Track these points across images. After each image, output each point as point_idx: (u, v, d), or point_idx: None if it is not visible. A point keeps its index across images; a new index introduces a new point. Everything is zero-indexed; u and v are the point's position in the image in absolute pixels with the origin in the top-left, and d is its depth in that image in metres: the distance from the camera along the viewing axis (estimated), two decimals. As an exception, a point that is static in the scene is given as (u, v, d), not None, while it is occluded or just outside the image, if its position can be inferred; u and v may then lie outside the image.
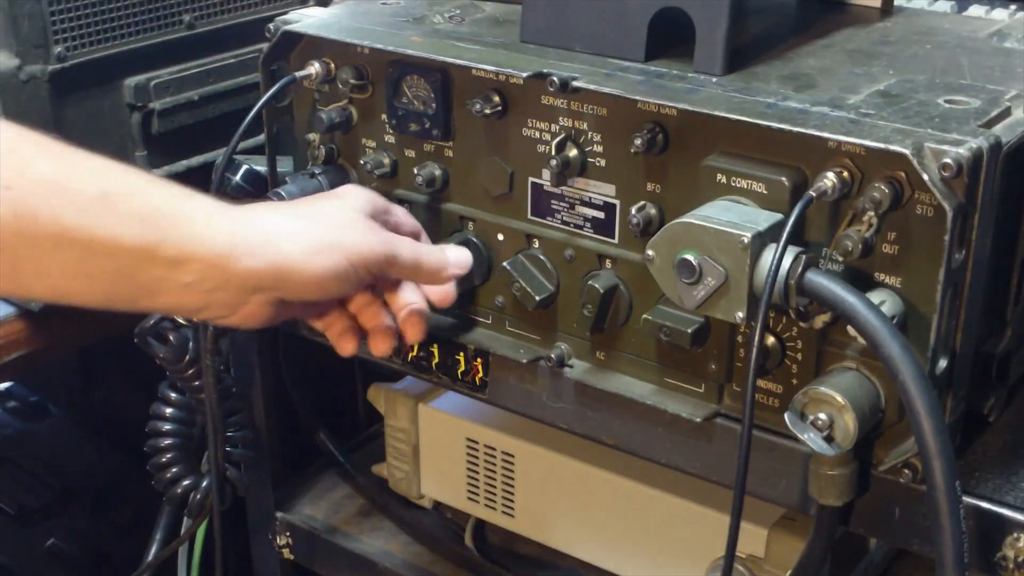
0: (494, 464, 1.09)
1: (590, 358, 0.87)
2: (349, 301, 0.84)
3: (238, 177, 1.04)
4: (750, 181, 0.74)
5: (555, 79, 0.80)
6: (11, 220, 0.64)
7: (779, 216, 0.72)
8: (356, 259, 0.76)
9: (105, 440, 1.59)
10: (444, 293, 0.85)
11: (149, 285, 0.69)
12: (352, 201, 0.80)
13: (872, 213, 0.70)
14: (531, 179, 0.86)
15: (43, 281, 0.67)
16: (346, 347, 0.85)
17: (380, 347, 0.85)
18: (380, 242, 0.78)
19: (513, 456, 1.08)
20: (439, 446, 1.13)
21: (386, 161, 0.93)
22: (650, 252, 0.73)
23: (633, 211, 0.81)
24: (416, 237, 0.86)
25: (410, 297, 0.84)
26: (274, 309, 0.75)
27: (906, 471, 0.74)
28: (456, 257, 0.85)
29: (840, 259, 0.72)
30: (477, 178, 0.89)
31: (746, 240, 0.69)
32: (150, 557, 1.18)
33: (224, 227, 0.71)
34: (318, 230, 0.75)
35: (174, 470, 1.10)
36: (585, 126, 0.82)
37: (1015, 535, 0.72)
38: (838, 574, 0.94)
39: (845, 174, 0.71)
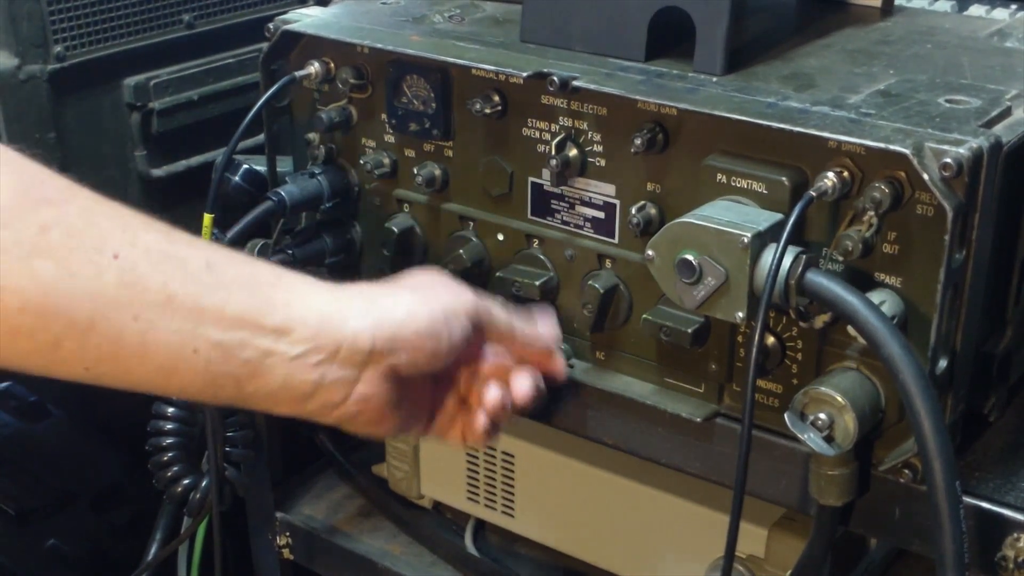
0: (494, 464, 1.09)
1: (590, 358, 0.87)
2: (456, 382, 0.79)
3: (238, 177, 1.04)
4: (750, 181, 0.74)
5: (555, 79, 0.79)
6: (117, 290, 0.62)
7: (779, 216, 0.71)
8: (456, 304, 0.74)
9: (105, 440, 1.59)
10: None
11: (256, 362, 0.66)
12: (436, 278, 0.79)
13: (872, 213, 0.70)
14: (531, 179, 0.86)
15: (147, 360, 0.63)
16: (477, 429, 0.79)
17: (476, 426, 0.79)
18: (473, 295, 0.76)
19: (513, 456, 1.08)
20: (439, 446, 1.13)
21: (386, 161, 0.93)
22: (650, 252, 0.73)
23: (633, 211, 0.80)
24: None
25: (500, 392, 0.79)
26: (389, 387, 0.71)
27: (906, 471, 0.74)
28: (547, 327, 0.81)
29: (840, 259, 0.72)
30: (477, 178, 0.89)
31: (746, 240, 0.69)
32: (150, 556, 1.18)
33: (324, 294, 0.69)
34: (411, 288, 0.74)
35: (174, 469, 1.10)
36: (585, 126, 0.82)
37: (1015, 535, 0.72)
38: (838, 574, 0.94)
39: (845, 174, 0.71)
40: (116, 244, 0.62)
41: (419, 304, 0.72)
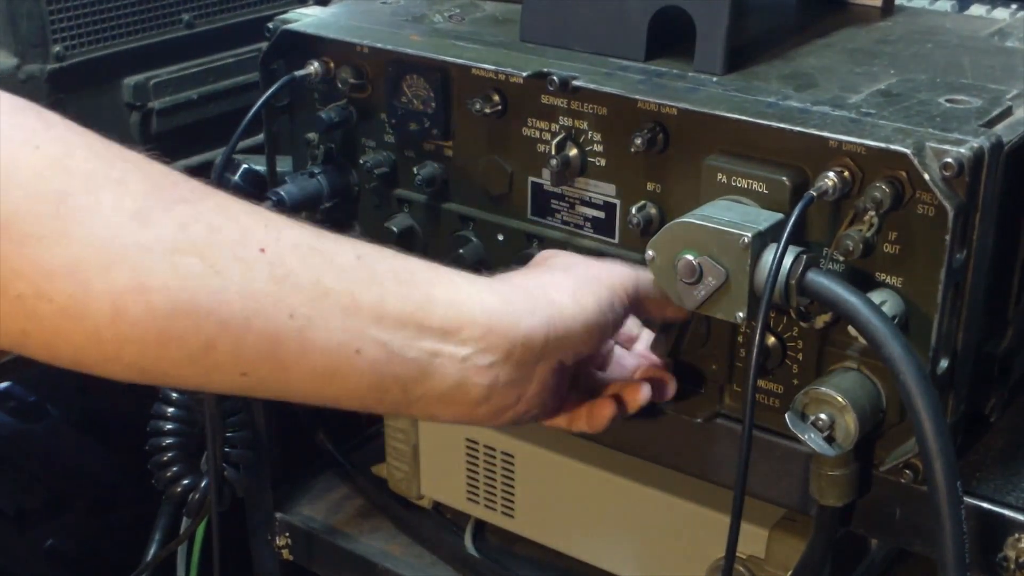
0: (494, 464, 1.09)
1: (590, 358, 0.87)
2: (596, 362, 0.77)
3: (237, 176, 1.04)
4: (751, 180, 0.74)
5: (555, 78, 0.79)
6: (268, 286, 0.57)
7: (780, 216, 0.71)
8: (615, 283, 0.70)
9: (103, 441, 1.59)
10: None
11: (424, 363, 0.62)
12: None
13: (873, 213, 0.70)
14: (531, 179, 0.86)
15: (305, 361, 0.59)
16: (603, 414, 0.74)
17: (636, 396, 0.75)
18: (623, 266, 0.73)
19: (513, 456, 1.08)
20: (439, 446, 1.13)
21: (386, 161, 0.93)
22: (650, 252, 0.73)
23: (633, 211, 0.80)
24: None
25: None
26: (556, 382, 0.68)
27: (907, 471, 0.74)
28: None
29: (841, 259, 0.72)
30: (477, 178, 0.89)
31: (747, 240, 0.68)
32: (149, 557, 1.18)
33: (487, 290, 0.65)
34: (565, 270, 0.71)
35: (174, 469, 1.10)
36: (585, 125, 0.82)
37: (1016, 536, 0.72)
38: (839, 575, 0.94)
39: (846, 173, 0.71)
40: (260, 239, 0.58)
41: (586, 293, 0.68)
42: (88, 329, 0.55)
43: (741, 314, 0.70)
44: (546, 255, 0.76)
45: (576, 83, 0.79)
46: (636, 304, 0.73)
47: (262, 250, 0.58)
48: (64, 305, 0.54)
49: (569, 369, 0.71)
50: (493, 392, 0.65)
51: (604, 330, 0.69)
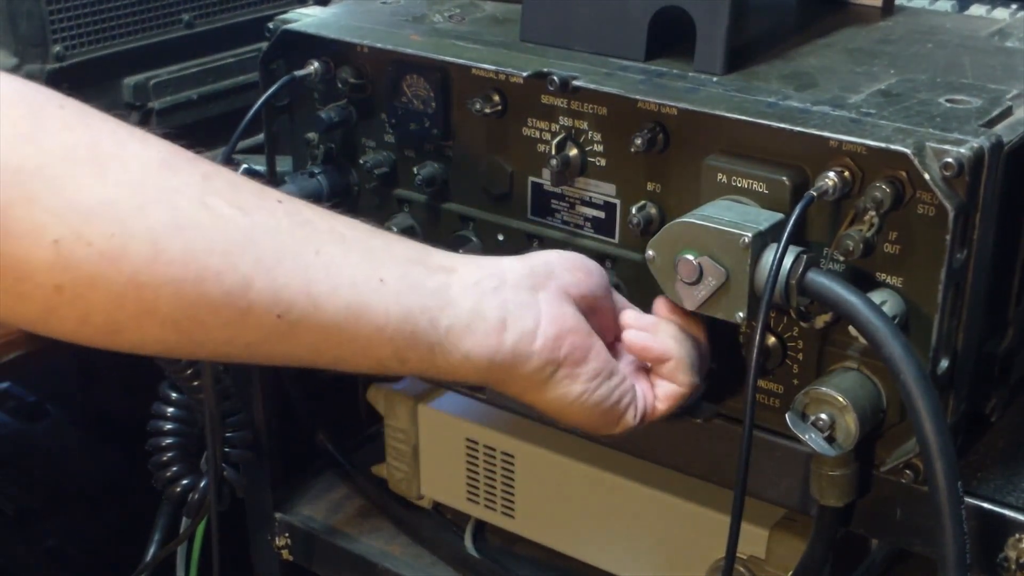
0: (494, 464, 1.09)
1: (590, 358, 0.87)
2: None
3: (237, 176, 1.04)
4: (751, 180, 0.74)
5: (555, 78, 0.79)
6: (293, 228, 0.62)
7: (780, 216, 0.71)
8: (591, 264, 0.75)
9: (103, 440, 1.59)
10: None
11: (443, 291, 0.66)
12: None
13: (873, 213, 0.70)
14: (531, 179, 0.86)
15: (336, 296, 0.62)
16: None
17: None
18: None
19: (513, 456, 1.07)
20: (439, 446, 1.13)
21: (386, 161, 0.93)
22: (651, 252, 0.73)
23: (633, 211, 0.80)
24: None
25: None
26: (572, 308, 0.70)
27: (908, 472, 0.74)
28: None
29: (841, 259, 0.72)
30: (477, 178, 0.89)
31: (747, 240, 0.68)
32: (148, 557, 1.18)
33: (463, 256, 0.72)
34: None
35: (173, 469, 1.10)
36: (585, 125, 0.82)
37: (1017, 536, 0.72)
38: (839, 575, 0.94)
39: (846, 173, 0.71)
40: (276, 195, 0.64)
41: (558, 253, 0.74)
42: (126, 273, 0.56)
43: (741, 314, 0.70)
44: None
45: (576, 83, 0.79)
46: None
47: (280, 201, 0.63)
48: (103, 248, 0.55)
49: (591, 314, 0.73)
50: (508, 314, 0.68)
51: (587, 264, 0.73)
